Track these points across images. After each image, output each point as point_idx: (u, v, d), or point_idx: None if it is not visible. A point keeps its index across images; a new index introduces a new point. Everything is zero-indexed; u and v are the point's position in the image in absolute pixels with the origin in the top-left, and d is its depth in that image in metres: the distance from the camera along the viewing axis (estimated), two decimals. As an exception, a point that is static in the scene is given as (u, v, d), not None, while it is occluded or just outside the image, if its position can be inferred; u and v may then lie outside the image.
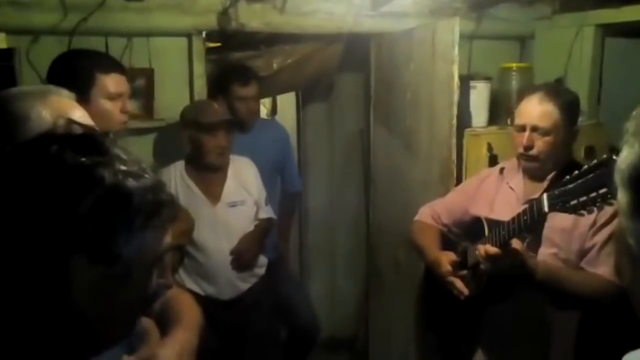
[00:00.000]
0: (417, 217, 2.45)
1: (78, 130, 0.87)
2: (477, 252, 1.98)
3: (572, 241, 1.99)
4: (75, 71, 1.90)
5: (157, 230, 0.85)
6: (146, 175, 0.84)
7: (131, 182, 0.81)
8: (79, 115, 1.33)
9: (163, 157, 2.89)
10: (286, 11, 3.04)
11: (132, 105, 2.78)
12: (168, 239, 0.89)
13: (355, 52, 3.60)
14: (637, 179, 0.65)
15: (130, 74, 2.75)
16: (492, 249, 1.90)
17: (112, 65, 1.99)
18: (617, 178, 0.68)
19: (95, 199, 0.77)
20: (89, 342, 0.82)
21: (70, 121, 1.02)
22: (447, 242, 2.31)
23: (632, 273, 0.72)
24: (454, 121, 2.74)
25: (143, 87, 2.83)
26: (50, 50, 2.63)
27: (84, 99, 1.73)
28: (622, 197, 0.68)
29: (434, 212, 2.40)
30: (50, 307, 0.78)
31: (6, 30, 2.54)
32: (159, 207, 0.84)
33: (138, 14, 2.80)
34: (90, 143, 0.82)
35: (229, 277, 2.75)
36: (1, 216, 0.77)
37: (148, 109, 2.91)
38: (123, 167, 0.81)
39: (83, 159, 0.79)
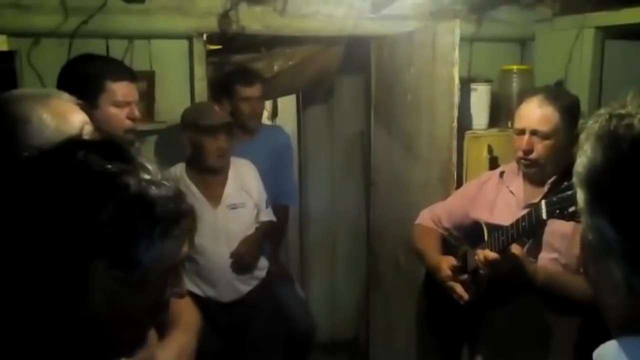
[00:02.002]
0: (417, 221, 2.45)
1: (105, 137, 0.88)
2: (476, 257, 1.98)
3: (572, 246, 1.98)
4: (85, 77, 1.89)
5: (177, 239, 0.86)
6: (169, 185, 0.85)
7: (154, 191, 0.82)
8: (80, 119, 1.33)
9: (164, 159, 2.89)
10: (287, 14, 3.04)
11: (138, 114, 2.81)
12: (186, 249, 0.90)
13: (356, 54, 3.60)
14: (591, 179, 0.74)
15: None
16: (492, 255, 1.90)
17: (122, 72, 1.99)
18: (575, 179, 0.77)
19: (119, 206, 0.78)
20: (101, 347, 0.83)
21: (96, 128, 1.03)
22: (447, 245, 2.32)
23: (593, 269, 0.79)
24: (455, 123, 2.73)
25: (144, 89, 2.83)
26: (51, 53, 2.65)
27: (91, 104, 1.73)
28: (580, 196, 0.76)
29: (435, 216, 2.40)
30: (67, 310, 0.79)
31: (7, 32, 2.54)
32: (180, 216, 0.86)
33: (139, 16, 2.80)
34: (116, 151, 0.84)
35: (229, 279, 2.76)
36: (25, 219, 0.78)
37: (149, 112, 2.92)
38: (147, 176, 0.82)
39: (109, 166, 0.80)
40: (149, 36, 2.88)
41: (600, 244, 0.74)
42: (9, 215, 0.79)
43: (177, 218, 0.85)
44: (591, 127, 0.77)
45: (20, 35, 2.64)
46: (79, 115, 1.33)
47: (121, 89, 1.92)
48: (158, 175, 0.85)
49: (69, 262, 0.77)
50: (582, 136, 0.78)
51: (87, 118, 1.35)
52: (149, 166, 0.85)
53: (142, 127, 2.84)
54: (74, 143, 0.85)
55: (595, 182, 0.74)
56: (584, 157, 0.76)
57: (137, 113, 1.98)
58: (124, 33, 2.82)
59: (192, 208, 0.91)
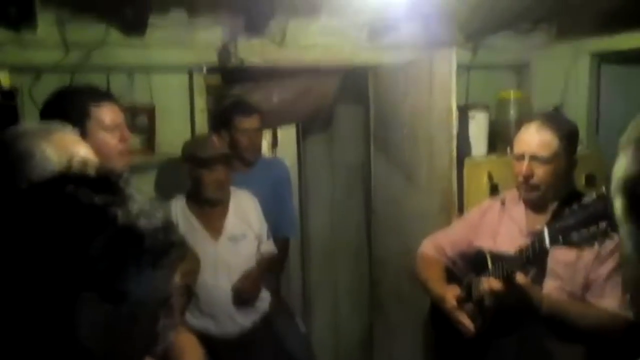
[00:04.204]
0: (420, 250, 2.43)
1: (92, 169, 0.88)
2: (481, 287, 1.97)
3: (576, 274, 1.97)
4: (68, 107, 1.90)
5: (166, 270, 0.86)
6: (158, 216, 0.85)
7: (143, 222, 0.82)
8: (83, 152, 1.33)
9: (165, 192, 2.90)
10: (285, 45, 3.08)
11: (134, 141, 2.82)
12: (177, 279, 0.89)
13: (354, 84, 3.64)
14: (630, 186, 0.72)
15: (132, 110, 2.80)
16: (496, 284, 1.88)
17: (103, 96, 2.00)
18: (613, 186, 0.75)
19: (108, 239, 0.78)
20: None
21: (84, 161, 1.03)
22: (451, 275, 2.30)
23: (634, 277, 0.77)
24: (454, 152, 2.74)
25: (145, 123, 2.85)
26: (52, 88, 2.67)
27: (81, 132, 1.74)
28: (617, 203, 0.75)
29: (437, 245, 2.39)
30: (57, 344, 0.78)
31: (9, 68, 2.57)
32: (169, 247, 0.85)
33: (139, 50, 2.83)
34: (105, 183, 0.84)
35: (230, 312, 2.73)
36: (15, 252, 0.78)
37: (150, 145, 2.93)
38: (136, 207, 0.82)
39: (97, 199, 0.80)
40: (149, 70, 2.91)
41: None
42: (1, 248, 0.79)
43: (166, 249, 0.85)
44: (630, 132, 0.75)
45: (22, 71, 2.67)
46: (82, 148, 1.34)
47: (106, 112, 1.92)
48: (147, 206, 0.85)
49: (58, 296, 0.77)
50: (622, 140, 0.76)
51: (90, 150, 1.36)
52: (138, 197, 0.85)
53: (143, 160, 2.87)
54: (63, 176, 0.85)
55: (634, 188, 0.72)
56: (622, 163, 0.74)
57: (127, 134, 1.98)
58: (124, 67, 2.84)
59: (183, 238, 0.91)
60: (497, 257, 2.02)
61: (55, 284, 0.77)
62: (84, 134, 1.82)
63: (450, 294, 2.13)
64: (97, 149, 1.82)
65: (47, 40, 2.70)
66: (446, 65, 2.75)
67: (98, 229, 0.79)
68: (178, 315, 0.97)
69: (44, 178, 0.85)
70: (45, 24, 2.68)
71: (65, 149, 1.30)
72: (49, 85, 2.69)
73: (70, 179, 0.83)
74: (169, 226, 0.86)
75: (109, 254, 0.78)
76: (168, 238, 0.85)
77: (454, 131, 2.72)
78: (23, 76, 2.68)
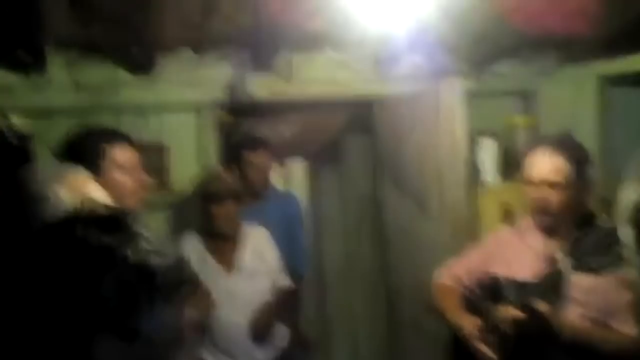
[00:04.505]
0: (436, 280, 2.41)
1: (102, 210, 0.88)
2: (500, 315, 1.94)
3: (597, 299, 1.93)
4: (83, 147, 1.91)
5: (177, 306, 0.85)
6: (169, 253, 0.85)
7: (154, 260, 0.82)
8: (96, 192, 1.34)
9: (179, 228, 2.90)
10: (291, 80, 3.11)
11: (146, 177, 2.82)
12: (189, 314, 0.89)
13: (362, 115, 3.65)
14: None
15: (144, 149, 2.81)
16: (515, 312, 1.86)
17: (118, 136, 2.00)
18: (621, 214, 0.72)
19: (119, 278, 0.78)
20: None
21: (94, 202, 1.03)
22: (469, 303, 2.27)
23: None
24: (464, 179, 2.74)
25: (156, 161, 2.87)
26: (64, 129, 2.69)
27: (96, 173, 1.74)
28: (626, 231, 0.72)
29: (453, 274, 2.36)
30: None
31: (21, 110, 2.59)
32: (180, 284, 0.85)
33: (148, 89, 2.87)
34: (114, 223, 0.84)
35: (247, 348, 2.69)
36: (29, 295, 0.77)
37: (163, 182, 2.95)
38: (146, 245, 0.82)
39: (106, 239, 0.80)
40: (159, 108, 2.94)
41: None
42: (16, 294, 0.79)
43: (177, 286, 0.85)
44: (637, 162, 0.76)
45: (33, 113, 2.69)
46: (96, 189, 1.34)
47: (120, 152, 1.92)
48: (158, 243, 0.85)
49: (73, 337, 0.77)
50: (630, 169, 0.76)
51: (102, 190, 1.36)
52: (149, 235, 0.86)
53: (156, 197, 2.87)
54: (72, 219, 0.86)
55: None
56: (631, 193, 0.74)
57: (144, 175, 1.98)
58: (135, 107, 2.87)
59: (194, 274, 0.91)
60: (515, 285, 2.00)
61: (70, 323, 0.77)
62: (99, 174, 1.83)
63: (470, 323, 2.10)
64: (112, 189, 1.82)
65: (58, 82, 2.75)
66: (452, 95, 2.77)
67: (108, 268, 0.79)
68: (192, 350, 0.96)
69: (55, 220, 0.86)
70: (55, 67, 2.72)
71: (78, 190, 1.30)
72: (61, 126, 2.72)
73: (79, 221, 0.84)
74: (179, 263, 0.87)
75: (121, 292, 0.78)
76: (179, 275, 0.85)
77: (464, 155, 2.72)
78: (35, 118, 2.69)
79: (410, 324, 3.33)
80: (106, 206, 0.90)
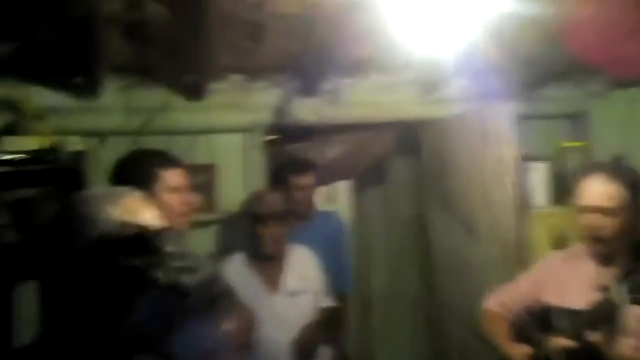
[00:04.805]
0: (484, 306, 2.37)
1: (132, 231, 0.89)
2: (551, 345, 1.89)
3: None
4: (137, 169, 1.98)
5: (214, 323, 0.85)
6: (201, 269, 0.85)
7: (186, 279, 0.82)
8: (150, 216, 1.35)
9: (225, 248, 2.94)
10: (339, 103, 3.13)
11: (194, 199, 2.88)
12: (227, 329, 0.88)
13: (408, 136, 3.64)
14: None
15: (193, 170, 2.87)
16: (567, 342, 1.81)
17: (170, 160, 2.07)
18: None
19: (152, 301, 0.78)
20: None
21: (125, 223, 1.05)
22: (518, 331, 2.22)
23: None
24: (515, 203, 2.70)
25: (205, 181, 2.92)
26: (117, 151, 2.77)
27: (147, 194, 1.79)
28: None
29: (502, 300, 2.32)
30: None
31: (78, 134, 2.69)
32: (215, 300, 0.85)
33: (199, 113, 2.94)
34: (142, 244, 0.84)
35: (290, 369, 2.69)
36: (63, 321, 0.79)
37: (210, 202, 3.00)
38: (177, 264, 0.82)
39: (136, 262, 0.80)
40: (208, 131, 3.01)
41: None
42: (54, 322, 0.80)
43: (212, 303, 0.84)
44: None
45: (88, 135, 2.79)
46: (149, 212, 1.36)
47: (172, 175, 1.99)
48: (190, 260, 0.85)
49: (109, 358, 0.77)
50: None
51: (157, 213, 1.38)
52: (180, 252, 0.85)
53: (203, 217, 2.93)
54: (102, 242, 0.86)
55: None
56: None
57: (192, 198, 2.02)
58: (185, 129, 2.94)
59: (228, 288, 0.90)
60: (567, 314, 1.95)
61: (106, 351, 0.77)
62: (150, 196, 1.88)
63: (520, 352, 2.05)
64: (162, 211, 1.87)
65: (112, 106, 2.84)
66: (500, 118, 2.75)
67: (139, 292, 0.79)
68: None
69: (90, 241, 0.87)
70: (110, 91, 2.81)
71: (132, 213, 1.32)
72: (114, 148, 2.81)
73: (109, 244, 0.84)
74: (213, 278, 0.86)
75: (154, 315, 0.78)
76: (212, 291, 0.85)
77: (514, 180, 2.68)
78: (89, 140, 2.79)
79: (457, 348, 3.27)
80: (136, 227, 0.91)
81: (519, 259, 2.71)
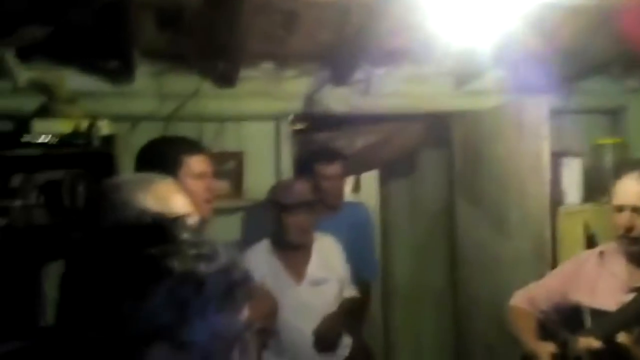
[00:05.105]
0: (511, 302, 2.34)
1: (147, 219, 0.88)
2: (579, 345, 1.85)
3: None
4: (164, 155, 2.00)
5: (232, 311, 0.84)
6: (219, 256, 0.83)
7: (202, 267, 0.81)
8: (181, 202, 1.35)
9: (251, 235, 2.95)
10: (370, 93, 3.10)
11: (222, 186, 2.89)
12: (245, 316, 0.87)
13: (438, 128, 3.60)
14: None
15: (221, 157, 2.90)
16: (596, 344, 1.77)
17: (195, 147, 2.09)
18: None
19: (167, 289, 0.77)
20: None
21: (148, 210, 1.04)
22: (544, 329, 2.18)
23: None
24: (547, 199, 2.65)
25: (233, 168, 2.93)
26: (148, 136, 2.80)
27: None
28: None
29: (530, 297, 2.28)
30: None
31: (109, 118, 2.72)
32: (232, 289, 0.83)
33: (229, 100, 2.94)
34: (158, 232, 0.83)
35: (311, 357, 2.70)
36: (78, 308, 0.79)
37: (238, 189, 3.01)
38: (194, 251, 0.81)
39: (152, 250, 0.80)
40: (238, 118, 3.01)
41: None
42: (68, 309, 0.80)
43: (229, 291, 0.83)
44: None
45: (120, 120, 2.81)
46: (180, 198, 1.35)
47: (197, 162, 2.00)
48: (207, 248, 0.83)
49: (124, 350, 0.77)
50: None
51: (187, 200, 1.37)
52: (197, 240, 0.84)
53: (230, 204, 2.94)
54: (116, 230, 0.85)
55: None
56: None
57: (215, 185, 2.04)
58: (215, 116, 2.95)
59: (247, 275, 0.88)
60: (596, 314, 1.91)
61: (120, 338, 0.77)
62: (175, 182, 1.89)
63: (545, 351, 2.02)
64: (186, 197, 1.88)
65: (144, 91, 2.85)
66: (537, 110, 2.69)
67: (156, 280, 0.78)
68: (255, 357, 0.94)
69: (104, 231, 0.86)
70: (143, 76, 2.83)
71: (164, 199, 1.31)
72: (144, 133, 2.84)
73: (124, 232, 0.83)
74: (231, 266, 0.84)
75: (171, 304, 0.78)
76: (230, 279, 0.83)
77: (547, 175, 2.63)
78: (121, 124, 2.82)
79: (480, 343, 3.24)
80: (181, 215, 0.90)
81: (549, 256, 2.66)
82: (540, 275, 2.43)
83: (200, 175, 2.00)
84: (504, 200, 2.98)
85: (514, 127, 2.86)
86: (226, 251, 0.86)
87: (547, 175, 2.66)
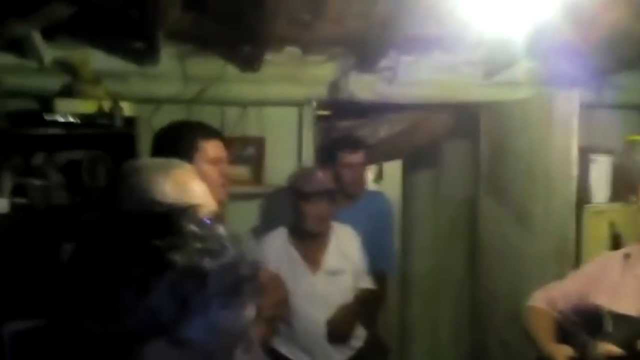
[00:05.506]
0: (530, 302, 2.29)
1: (159, 208, 0.86)
2: (597, 351, 1.80)
3: None
4: (180, 139, 1.99)
5: (237, 308, 0.82)
6: (226, 251, 0.81)
7: (207, 262, 0.78)
8: (199, 189, 1.34)
9: (270, 222, 2.94)
10: (396, 81, 3.04)
11: (242, 171, 2.88)
12: (251, 313, 0.85)
13: (464, 118, 3.53)
14: None
15: (242, 142, 2.88)
16: (616, 350, 1.72)
17: (212, 132, 2.09)
18: None
19: (169, 283, 0.76)
20: None
21: (158, 198, 1.02)
22: (562, 331, 2.14)
23: None
24: (573, 196, 2.59)
25: (254, 154, 2.92)
26: (170, 118, 2.79)
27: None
28: None
29: (549, 297, 2.23)
30: None
31: (131, 99, 2.72)
32: (238, 285, 0.81)
33: (253, 84, 2.91)
34: (166, 223, 0.81)
35: (324, 347, 2.69)
36: (78, 302, 0.77)
37: (258, 175, 2.99)
38: (199, 245, 0.79)
39: (156, 242, 0.77)
40: (261, 103, 2.98)
41: None
42: (67, 294, 0.79)
43: (235, 287, 0.81)
44: None
45: (143, 101, 2.81)
46: (198, 185, 1.34)
47: (212, 147, 2.00)
48: (214, 242, 0.81)
49: (124, 345, 0.75)
50: None
51: (206, 187, 1.36)
52: (203, 233, 0.81)
53: (250, 189, 2.93)
54: (122, 219, 0.84)
55: None
56: None
57: (230, 171, 2.04)
58: (238, 100, 2.93)
59: (255, 271, 0.85)
60: (618, 319, 1.86)
61: (120, 333, 0.75)
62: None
63: (562, 355, 1.97)
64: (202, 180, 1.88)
65: (168, 74, 2.84)
66: (568, 104, 2.63)
67: (158, 274, 0.76)
68: (257, 349, 0.92)
69: (110, 220, 0.85)
70: (167, 58, 2.81)
71: (182, 185, 1.30)
72: (167, 116, 2.83)
73: (129, 221, 0.82)
74: (238, 261, 0.82)
75: (173, 299, 0.76)
76: (236, 275, 0.81)
77: (574, 171, 2.57)
78: (143, 106, 2.82)
79: (497, 338, 3.20)
80: (160, 205, 0.88)
81: (572, 255, 2.60)
82: (561, 274, 2.39)
83: (215, 160, 2.00)
84: (529, 195, 2.93)
85: (543, 120, 2.79)
86: (234, 245, 0.83)
87: (574, 171, 2.59)
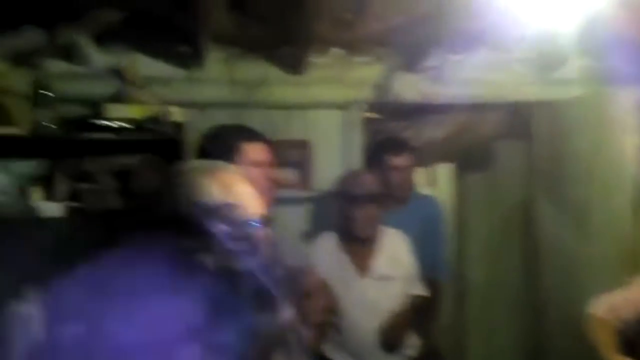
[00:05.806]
0: (592, 310, 2.20)
1: (198, 209, 0.85)
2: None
3: None
4: (223, 143, 2.00)
5: (269, 311, 0.79)
6: (255, 253, 0.79)
7: (235, 265, 0.76)
8: (246, 191, 1.35)
9: (317, 227, 2.92)
10: (442, 81, 2.97)
11: (288, 175, 2.87)
12: (287, 317, 0.82)
13: (517, 119, 3.44)
14: None
15: (288, 145, 2.87)
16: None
17: (255, 135, 2.08)
18: None
19: (199, 287, 0.74)
20: None
21: (204, 199, 1.01)
22: (625, 340, 2.04)
23: None
24: (632, 198, 2.48)
25: (300, 158, 2.90)
26: (216, 122, 2.80)
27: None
28: None
29: (611, 305, 2.15)
30: None
31: (179, 104, 2.74)
32: (265, 290, 0.79)
33: (298, 87, 2.91)
34: (193, 227, 0.80)
35: (375, 354, 2.64)
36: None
37: (305, 179, 2.98)
38: (232, 248, 0.77)
39: (185, 244, 0.77)
40: (306, 106, 2.98)
41: None
42: None
43: (263, 290, 0.78)
44: None
45: (189, 105, 2.83)
46: (244, 187, 1.35)
47: (255, 150, 2.00)
48: (244, 244, 0.79)
49: (155, 342, 0.73)
50: None
51: (251, 189, 1.37)
52: (238, 234, 0.79)
53: (297, 194, 2.91)
54: (157, 220, 0.83)
55: None
56: None
57: (275, 174, 2.02)
58: (283, 104, 2.92)
59: (287, 273, 0.82)
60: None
61: (156, 337, 0.74)
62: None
63: (625, 366, 1.88)
64: None
65: (214, 78, 2.87)
66: (625, 102, 2.52)
67: (188, 277, 0.74)
68: (299, 354, 0.89)
69: (149, 218, 0.84)
70: (213, 62, 2.83)
71: (228, 187, 1.32)
72: (213, 119, 2.84)
73: (162, 223, 0.81)
74: (268, 264, 0.79)
75: (203, 302, 0.73)
76: (261, 281, 0.78)
77: (635, 171, 2.46)
78: (189, 111, 2.83)
79: (555, 349, 3.09)
80: (244, 205, 0.86)
81: (635, 260, 2.49)
82: (623, 281, 2.28)
83: (258, 164, 2.00)
84: (587, 198, 2.83)
85: (599, 119, 2.71)
86: (269, 249, 0.82)
87: (632, 172, 2.49)
